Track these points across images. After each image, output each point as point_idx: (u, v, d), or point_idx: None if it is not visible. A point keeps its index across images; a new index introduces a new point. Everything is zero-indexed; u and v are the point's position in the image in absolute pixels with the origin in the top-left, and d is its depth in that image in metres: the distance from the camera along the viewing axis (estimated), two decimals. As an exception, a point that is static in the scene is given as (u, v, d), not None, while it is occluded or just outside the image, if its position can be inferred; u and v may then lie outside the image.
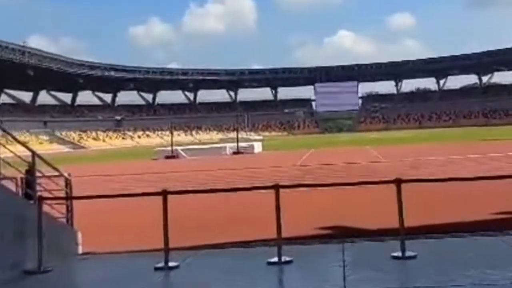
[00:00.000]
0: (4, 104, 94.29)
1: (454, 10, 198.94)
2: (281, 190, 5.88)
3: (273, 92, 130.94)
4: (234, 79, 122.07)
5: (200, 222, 9.53)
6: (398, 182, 5.87)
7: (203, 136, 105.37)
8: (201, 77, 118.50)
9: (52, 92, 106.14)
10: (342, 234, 7.69)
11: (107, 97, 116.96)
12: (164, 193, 5.78)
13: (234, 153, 34.78)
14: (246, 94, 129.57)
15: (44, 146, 79.99)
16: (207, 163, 27.29)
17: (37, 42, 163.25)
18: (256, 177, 18.18)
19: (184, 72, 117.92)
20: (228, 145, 36.78)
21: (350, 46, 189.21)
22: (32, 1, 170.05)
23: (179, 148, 35.90)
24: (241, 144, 36.55)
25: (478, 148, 28.03)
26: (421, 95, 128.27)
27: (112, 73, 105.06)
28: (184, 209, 8.81)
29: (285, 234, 5.89)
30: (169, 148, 35.57)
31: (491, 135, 45.31)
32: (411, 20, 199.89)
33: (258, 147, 37.37)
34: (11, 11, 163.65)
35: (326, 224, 8.79)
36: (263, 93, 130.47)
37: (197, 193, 8.42)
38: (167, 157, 33.82)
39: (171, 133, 42.81)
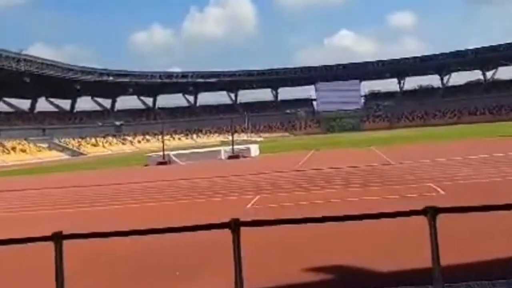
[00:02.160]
0: (2, 112, 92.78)
1: (454, 7, 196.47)
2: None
3: (274, 92, 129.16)
4: (234, 81, 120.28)
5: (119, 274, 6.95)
6: (433, 212, 3.91)
7: (204, 139, 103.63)
8: (200, 80, 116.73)
9: (51, 99, 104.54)
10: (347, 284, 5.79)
11: (107, 103, 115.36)
12: (57, 238, 3.84)
13: (230, 157, 32.89)
14: (246, 96, 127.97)
15: (43, 153, 78.84)
16: (197, 169, 25.62)
17: (40, 50, 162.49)
18: (239, 187, 16.30)
19: (184, 75, 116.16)
20: (223, 148, 34.88)
21: (350, 45, 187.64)
22: (35, 10, 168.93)
23: (171, 153, 34.01)
24: (237, 147, 34.63)
25: (496, 146, 26.09)
26: (425, 92, 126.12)
27: (111, 78, 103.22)
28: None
29: None
30: (162, 153, 33.64)
31: (502, 131, 43.27)
32: (412, 18, 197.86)
33: (255, 150, 35.44)
34: (14, 20, 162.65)
35: (322, 267, 6.43)
36: (264, 94, 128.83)
37: (102, 236, 4.64)
38: (159, 163, 31.99)
39: (162, 137, 41.03)
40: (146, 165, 32.88)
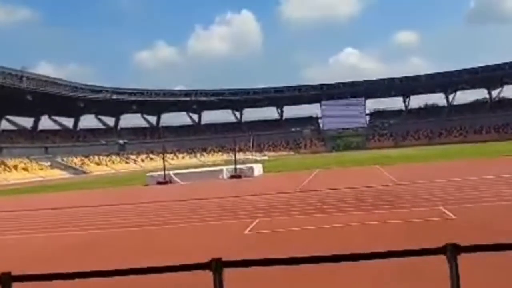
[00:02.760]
0: (5, 131, 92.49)
1: (458, 26, 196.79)
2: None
3: (279, 111, 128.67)
4: (239, 99, 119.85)
5: None
6: (454, 251, 3.14)
7: (208, 158, 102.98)
8: (205, 98, 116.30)
9: (54, 117, 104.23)
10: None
11: (110, 121, 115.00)
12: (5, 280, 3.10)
13: (232, 176, 32.11)
14: (251, 114, 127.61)
15: (45, 172, 78.36)
16: (197, 189, 24.89)
17: (44, 68, 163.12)
18: (238, 210, 15.46)
19: (188, 94, 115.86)
20: (225, 168, 34.08)
21: (356, 63, 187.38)
22: (39, 28, 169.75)
23: (171, 172, 33.26)
24: (240, 166, 33.85)
25: (505, 166, 25.23)
26: (430, 110, 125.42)
27: (114, 96, 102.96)
28: None
29: None
30: (162, 173, 32.90)
31: (510, 150, 42.35)
32: (416, 37, 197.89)
33: (258, 169, 34.64)
34: (18, 38, 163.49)
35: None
36: (269, 112, 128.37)
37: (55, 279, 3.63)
38: (159, 183, 31.24)
39: (163, 156, 40.34)
40: (146, 185, 32.16)
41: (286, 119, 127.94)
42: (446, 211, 11.72)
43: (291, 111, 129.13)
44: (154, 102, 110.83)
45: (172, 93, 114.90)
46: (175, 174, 32.63)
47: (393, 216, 11.68)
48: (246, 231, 11.02)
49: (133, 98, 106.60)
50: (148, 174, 35.94)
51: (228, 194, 20.74)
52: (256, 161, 50.90)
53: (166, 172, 32.96)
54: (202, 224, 12.83)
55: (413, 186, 18.23)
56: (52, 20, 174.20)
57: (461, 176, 20.41)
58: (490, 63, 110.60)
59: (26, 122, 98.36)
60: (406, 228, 10.03)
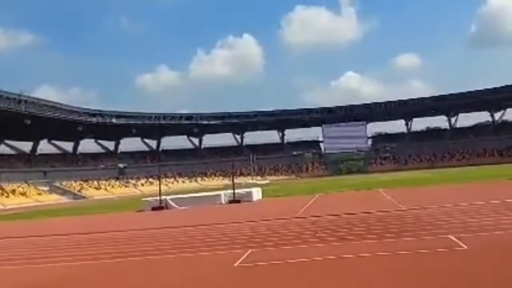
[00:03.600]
0: (3, 155, 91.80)
1: (457, 49, 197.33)
2: None
3: (280, 134, 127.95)
4: (240, 123, 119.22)
5: None
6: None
7: (208, 182, 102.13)
8: (205, 122, 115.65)
9: (53, 141, 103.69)
10: None
11: (110, 145, 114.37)
12: None
13: (230, 201, 31.08)
14: (252, 138, 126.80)
15: (43, 197, 77.77)
16: (194, 215, 23.98)
17: (46, 92, 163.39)
18: (232, 238, 14.46)
19: (189, 117, 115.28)
20: (223, 192, 33.03)
21: (357, 87, 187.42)
22: (41, 53, 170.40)
23: (168, 197, 32.20)
24: (238, 191, 32.83)
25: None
26: (432, 133, 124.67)
27: (114, 120, 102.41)
28: None
29: None
30: (158, 198, 31.89)
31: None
32: (417, 60, 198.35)
33: (257, 194, 33.62)
34: (21, 63, 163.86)
35: None
36: (270, 136, 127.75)
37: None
38: (154, 209, 30.22)
39: (159, 181, 39.36)
40: (140, 210, 31.14)
41: (288, 143, 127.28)
42: (456, 240, 10.73)
43: (292, 135, 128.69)
44: (154, 126, 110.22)
45: (172, 116, 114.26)
46: (172, 199, 31.60)
47: (399, 246, 10.69)
48: (236, 264, 10.03)
49: (132, 122, 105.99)
50: (144, 199, 34.93)
51: (223, 220, 19.68)
52: (255, 185, 49.75)
53: (163, 197, 31.95)
54: (190, 255, 11.82)
55: (418, 212, 17.21)
56: (54, 44, 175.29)
57: (467, 201, 19.37)
58: (493, 86, 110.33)
59: (25, 146, 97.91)
60: (416, 261, 9.04)
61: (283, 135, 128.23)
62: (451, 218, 14.72)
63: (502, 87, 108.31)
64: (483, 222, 13.42)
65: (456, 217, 14.88)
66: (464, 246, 10.04)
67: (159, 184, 36.50)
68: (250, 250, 11.56)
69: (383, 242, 11.45)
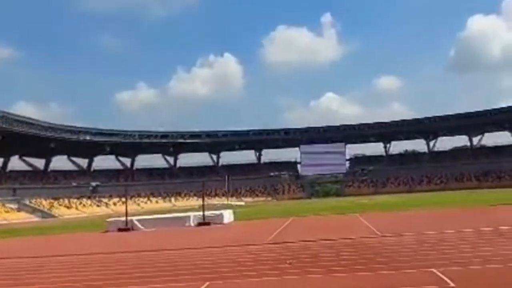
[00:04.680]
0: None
1: (437, 73, 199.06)
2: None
3: (257, 154, 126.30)
4: (216, 142, 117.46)
5: None
6: None
7: (182, 202, 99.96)
8: (181, 140, 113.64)
9: (24, 158, 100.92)
10: None
11: (83, 162, 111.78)
12: None
13: (200, 224, 29.52)
14: (228, 157, 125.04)
15: (11, 215, 75.23)
16: (158, 238, 22.56)
17: (23, 108, 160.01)
18: (192, 267, 12.90)
19: (164, 135, 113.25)
20: (192, 214, 31.45)
21: (337, 108, 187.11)
22: (19, 67, 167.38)
23: (134, 218, 30.55)
24: (208, 213, 31.23)
25: (492, 216, 23.16)
26: (411, 157, 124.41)
27: (88, 137, 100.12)
28: None
29: None
30: (124, 218, 30.21)
31: (494, 199, 40.52)
32: (397, 82, 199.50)
33: (228, 216, 32.08)
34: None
35: None
36: (247, 156, 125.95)
37: None
38: (120, 230, 28.53)
39: (126, 201, 37.59)
40: (106, 231, 29.43)
41: (265, 163, 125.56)
42: (441, 275, 9.40)
43: (269, 155, 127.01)
44: (129, 144, 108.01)
45: (148, 135, 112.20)
46: (138, 220, 29.94)
47: (378, 280, 9.33)
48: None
49: (107, 139, 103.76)
50: (108, 219, 33.16)
51: (187, 245, 18.22)
52: (229, 207, 48.17)
53: (129, 218, 30.27)
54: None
55: (397, 240, 15.91)
56: (33, 59, 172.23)
57: (450, 228, 18.16)
58: (470, 111, 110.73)
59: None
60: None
61: (260, 155, 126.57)
62: (431, 247, 13.43)
63: (481, 111, 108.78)
64: (467, 252, 12.16)
65: (437, 246, 13.59)
66: (450, 282, 8.72)
67: (126, 204, 34.70)
68: (207, 283, 10.10)
69: (355, 276, 10.09)
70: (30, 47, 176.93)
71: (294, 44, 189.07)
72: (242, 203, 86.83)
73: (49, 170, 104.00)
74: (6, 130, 79.73)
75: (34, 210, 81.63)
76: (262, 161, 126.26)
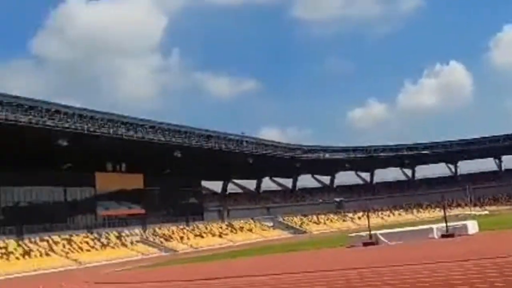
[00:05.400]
0: (231, 193, 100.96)
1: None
2: None
3: (497, 161, 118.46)
4: (453, 151, 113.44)
5: None
6: None
7: (424, 214, 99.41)
8: (415, 152, 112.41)
9: (274, 178, 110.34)
10: None
11: (326, 179, 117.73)
12: None
13: (443, 235, 30.45)
14: (467, 166, 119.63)
15: (268, 232, 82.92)
16: (404, 252, 23.88)
17: (267, 133, 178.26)
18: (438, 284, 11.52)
19: (399, 149, 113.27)
20: (435, 226, 32.55)
21: None
22: (260, 97, 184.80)
23: (378, 232, 32.88)
24: (451, 224, 32.00)
25: None
26: None
27: (327, 155, 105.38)
28: None
29: None
30: (368, 233, 32.64)
31: None
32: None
33: (473, 226, 32.35)
34: (244, 107, 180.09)
35: None
36: (485, 164, 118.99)
37: None
38: (365, 244, 31.04)
39: (368, 215, 39.95)
40: (351, 246, 32.07)
41: (506, 170, 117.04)
42: None
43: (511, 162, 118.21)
44: (365, 159, 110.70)
45: (383, 148, 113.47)
46: (382, 234, 32.16)
47: None
48: None
49: (345, 155, 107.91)
50: (351, 234, 35.89)
51: (435, 258, 17.10)
52: (472, 217, 47.31)
53: (373, 232, 32.65)
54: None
55: None
56: (271, 89, 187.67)
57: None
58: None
59: (249, 184, 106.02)
60: None
61: (500, 162, 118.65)
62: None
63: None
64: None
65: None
66: None
67: (368, 218, 37.27)
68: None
69: None
70: (267, 76, 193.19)
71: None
72: (486, 212, 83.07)
73: (296, 188, 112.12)
74: (255, 154, 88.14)
75: (286, 227, 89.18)
76: (503, 168, 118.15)
